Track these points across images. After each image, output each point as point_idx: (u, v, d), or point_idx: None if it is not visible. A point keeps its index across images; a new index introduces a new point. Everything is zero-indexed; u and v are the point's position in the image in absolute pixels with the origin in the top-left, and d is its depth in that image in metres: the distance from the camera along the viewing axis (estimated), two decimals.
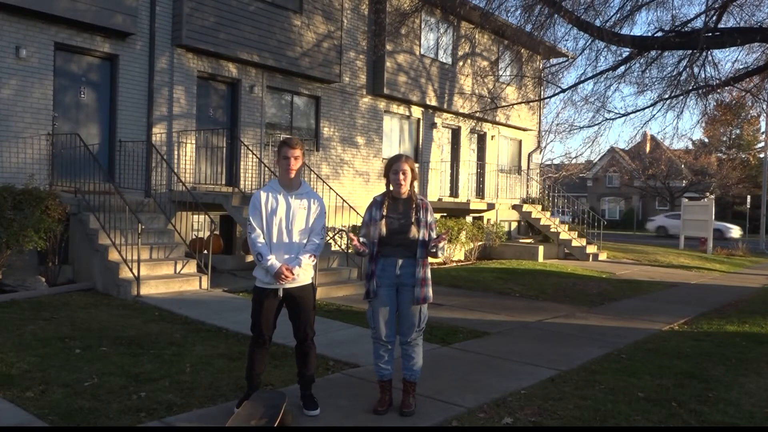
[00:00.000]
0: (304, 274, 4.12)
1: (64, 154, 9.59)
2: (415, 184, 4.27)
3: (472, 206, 16.08)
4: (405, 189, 4.19)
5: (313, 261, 4.15)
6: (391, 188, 4.23)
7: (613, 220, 45.44)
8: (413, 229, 4.14)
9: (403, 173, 4.14)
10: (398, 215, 4.17)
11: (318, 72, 13.06)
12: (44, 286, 8.27)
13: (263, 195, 4.11)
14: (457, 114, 17.36)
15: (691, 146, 44.12)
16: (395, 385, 4.33)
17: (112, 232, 8.55)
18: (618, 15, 11.67)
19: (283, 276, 3.97)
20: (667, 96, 12.87)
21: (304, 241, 4.14)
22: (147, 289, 8.12)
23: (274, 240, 4.07)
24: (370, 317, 4.29)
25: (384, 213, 4.18)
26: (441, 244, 4.16)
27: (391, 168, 4.19)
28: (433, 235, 4.22)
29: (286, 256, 4.06)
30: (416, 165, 4.34)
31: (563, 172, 36.50)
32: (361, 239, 4.24)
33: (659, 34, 11.47)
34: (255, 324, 4.13)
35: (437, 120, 16.89)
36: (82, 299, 7.89)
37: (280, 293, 4.07)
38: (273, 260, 4.00)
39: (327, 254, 10.28)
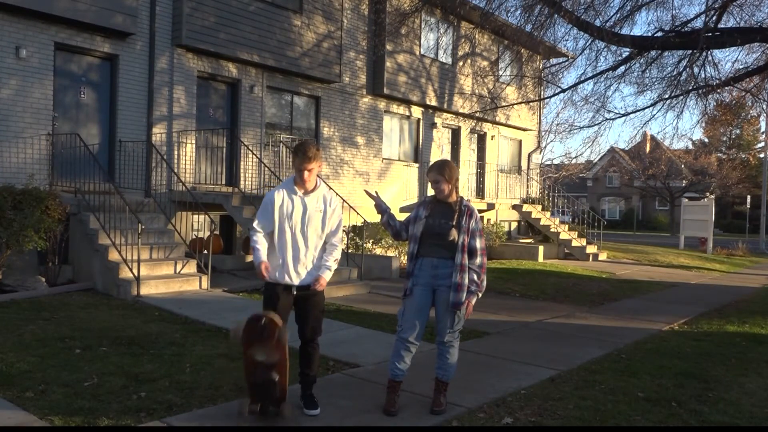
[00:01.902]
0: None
1: (64, 154, 9.59)
2: (455, 189, 4.31)
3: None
4: (445, 194, 4.25)
5: (336, 264, 4.22)
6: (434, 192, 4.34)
7: (613, 220, 45.47)
8: (453, 233, 4.16)
9: (436, 182, 4.23)
10: (440, 217, 4.23)
11: (318, 72, 13.06)
12: (44, 286, 8.27)
13: (278, 197, 4.06)
14: (457, 114, 17.36)
15: (691, 146, 44.10)
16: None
17: (112, 232, 8.55)
18: (618, 15, 11.67)
19: (263, 275, 3.98)
20: (667, 96, 12.87)
21: (320, 244, 4.14)
22: (147, 289, 8.12)
23: (289, 243, 4.05)
24: (400, 314, 4.31)
25: (428, 214, 4.26)
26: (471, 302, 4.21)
27: (429, 174, 4.31)
28: (477, 243, 4.20)
29: (302, 259, 4.07)
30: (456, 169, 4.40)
31: (563, 172, 36.48)
32: (385, 205, 4.38)
33: (659, 34, 11.47)
34: None
35: (437, 120, 16.89)
36: (82, 299, 7.89)
37: (294, 291, 4.08)
38: (262, 257, 4.02)
39: None
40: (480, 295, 4.24)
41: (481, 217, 17.40)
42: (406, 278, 4.34)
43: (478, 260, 4.21)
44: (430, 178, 4.27)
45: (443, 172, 4.23)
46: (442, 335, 4.27)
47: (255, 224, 4.12)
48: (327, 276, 4.12)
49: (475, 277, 4.19)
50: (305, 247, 4.08)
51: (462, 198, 4.34)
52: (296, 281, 4.08)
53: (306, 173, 4.01)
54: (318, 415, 4.09)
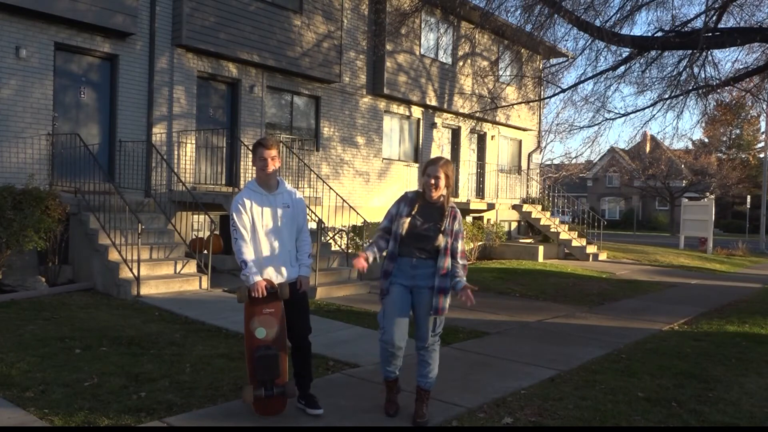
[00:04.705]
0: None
1: (64, 154, 9.59)
2: (449, 190, 4.00)
3: (472, 206, 16.08)
4: (437, 194, 3.95)
5: (311, 259, 4.30)
6: (423, 190, 4.01)
7: (613, 220, 45.48)
8: (440, 238, 3.92)
9: (436, 179, 3.90)
10: (425, 219, 3.96)
11: (318, 72, 13.06)
12: (44, 286, 8.27)
13: (247, 202, 4.04)
14: (457, 114, 17.35)
15: (691, 146, 44.12)
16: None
17: (112, 232, 8.55)
18: (618, 15, 11.66)
19: (259, 292, 3.93)
20: (667, 96, 12.85)
21: (294, 241, 4.18)
22: (147, 289, 8.12)
23: (265, 245, 4.05)
24: (380, 318, 4.04)
25: (413, 212, 3.97)
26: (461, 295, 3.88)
27: (426, 170, 3.96)
28: (458, 245, 3.97)
29: (279, 258, 4.09)
30: (452, 169, 4.04)
31: (563, 172, 36.48)
32: (368, 253, 3.97)
33: (659, 34, 11.46)
34: None
35: (437, 120, 16.89)
36: (82, 299, 7.89)
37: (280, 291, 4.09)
38: (256, 275, 3.97)
39: (327, 254, 10.28)
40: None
41: (481, 218, 17.42)
42: (383, 278, 4.05)
43: (461, 261, 4.01)
44: (430, 172, 3.91)
45: (447, 169, 3.93)
46: (424, 340, 4.02)
47: (241, 232, 3.99)
48: (308, 274, 4.21)
49: (459, 271, 3.97)
50: (283, 248, 4.10)
51: (449, 200, 4.04)
52: (279, 280, 4.09)
53: (269, 161, 4.01)
54: (321, 414, 4.08)
